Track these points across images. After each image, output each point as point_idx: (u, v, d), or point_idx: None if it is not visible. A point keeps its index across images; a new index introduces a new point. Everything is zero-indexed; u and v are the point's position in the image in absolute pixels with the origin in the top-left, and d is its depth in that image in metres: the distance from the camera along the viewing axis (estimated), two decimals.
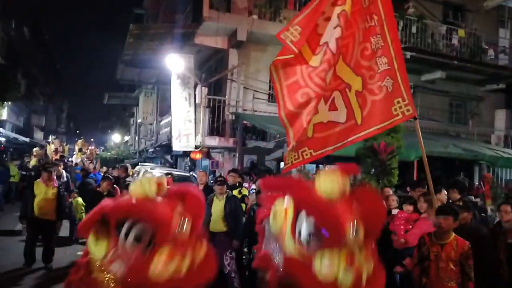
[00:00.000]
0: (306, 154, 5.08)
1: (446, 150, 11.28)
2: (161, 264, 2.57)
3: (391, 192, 7.09)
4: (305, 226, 2.81)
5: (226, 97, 13.80)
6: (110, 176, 8.72)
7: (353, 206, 2.79)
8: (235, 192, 7.22)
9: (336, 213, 2.70)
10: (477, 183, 10.83)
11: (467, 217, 4.63)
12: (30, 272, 7.04)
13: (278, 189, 3.19)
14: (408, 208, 5.56)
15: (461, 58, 14.73)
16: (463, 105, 16.82)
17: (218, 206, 6.44)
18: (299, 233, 2.82)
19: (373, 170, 8.61)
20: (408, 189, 8.33)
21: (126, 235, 2.68)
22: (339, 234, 2.65)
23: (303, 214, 2.85)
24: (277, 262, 3.03)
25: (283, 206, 2.99)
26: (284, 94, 4.99)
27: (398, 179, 8.82)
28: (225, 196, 6.52)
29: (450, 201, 6.22)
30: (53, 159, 18.60)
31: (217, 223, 6.39)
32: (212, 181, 12.30)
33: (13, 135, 24.11)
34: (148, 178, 2.97)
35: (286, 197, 3.04)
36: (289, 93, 4.95)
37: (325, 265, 2.64)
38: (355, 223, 2.69)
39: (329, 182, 2.84)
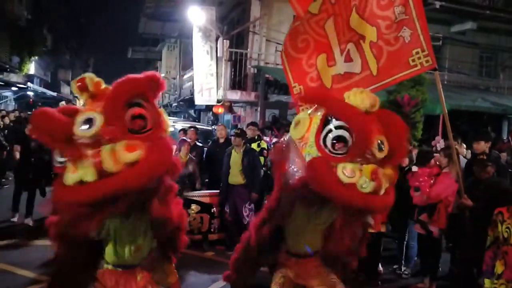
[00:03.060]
0: None
1: (474, 104, 10.93)
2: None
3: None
4: (332, 134, 2.82)
5: (248, 50, 13.56)
6: None
7: (379, 124, 2.85)
8: (253, 145, 7.24)
9: (366, 122, 2.74)
10: (505, 138, 10.52)
11: (490, 170, 4.52)
12: None
13: (314, 101, 3.20)
14: (428, 164, 5.45)
15: (494, 7, 13.98)
16: (494, 58, 16.10)
17: (236, 158, 6.51)
18: (324, 140, 2.83)
19: None
20: (433, 143, 8.16)
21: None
22: (365, 144, 2.70)
23: (332, 120, 2.87)
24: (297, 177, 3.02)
25: (307, 115, 3.05)
26: (287, 38, 5.21)
27: (422, 133, 8.63)
28: (242, 149, 6.55)
29: (475, 152, 6.05)
30: None
31: (236, 176, 6.48)
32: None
33: (41, 89, 24.60)
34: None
35: (311, 108, 3.11)
36: (290, 36, 5.14)
37: (346, 171, 2.67)
38: (381, 138, 2.75)
39: (359, 96, 2.88)
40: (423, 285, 5.40)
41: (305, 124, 2.99)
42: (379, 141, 2.72)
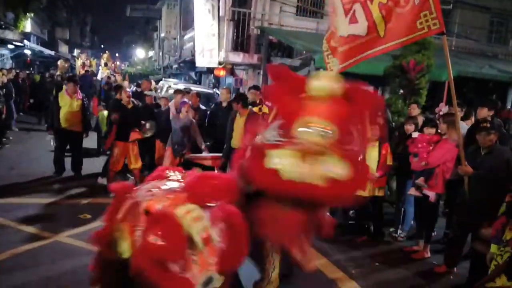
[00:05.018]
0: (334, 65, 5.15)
1: (481, 70, 10.77)
2: None
3: (416, 109, 6.96)
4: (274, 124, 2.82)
5: (252, 9, 13.24)
6: (123, 85, 8.92)
7: (338, 106, 2.71)
8: (255, 109, 7.19)
9: (289, 108, 2.71)
10: (509, 107, 10.47)
11: (493, 138, 4.51)
12: (60, 180, 7.41)
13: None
14: (430, 131, 5.45)
15: None
16: (505, 23, 15.74)
17: (239, 122, 6.49)
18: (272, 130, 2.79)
19: (401, 91, 8.33)
20: (437, 109, 8.11)
21: None
22: (284, 126, 2.66)
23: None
24: None
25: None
26: None
27: (427, 99, 8.55)
28: (246, 112, 6.51)
29: (478, 119, 6.04)
30: (80, 73, 18.76)
31: (239, 140, 6.44)
32: None
33: (39, 48, 24.22)
34: None
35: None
36: None
37: (272, 159, 2.57)
38: (311, 120, 2.60)
39: (320, 81, 2.81)
40: (417, 247, 5.52)
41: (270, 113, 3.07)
42: (315, 127, 2.58)
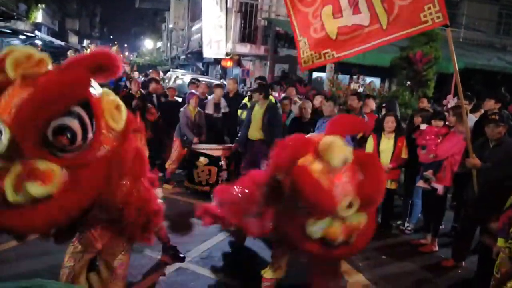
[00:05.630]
0: (329, 56, 5.14)
1: (489, 63, 10.64)
2: None
3: (426, 103, 6.90)
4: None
5: (259, 1, 13.18)
6: (133, 76, 8.89)
7: (354, 175, 2.82)
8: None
9: (326, 193, 2.69)
10: None
11: (501, 131, 4.46)
12: None
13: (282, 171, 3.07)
14: (438, 123, 5.40)
15: None
16: None
17: (258, 113, 6.39)
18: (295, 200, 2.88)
19: (408, 82, 8.28)
20: (444, 101, 8.04)
21: None
22: (328, 211, 2.74)
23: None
24: None
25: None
26: None
27: (435, 91, 8.48)
28: (265, 104, 6.41)
29: (486, 111, 5.99)
30: None
31: (256, 131, 6.40)
32: (242, 89, 12.29)
33: (49, 38, 24.31)
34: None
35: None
36: None
37: (314, 230, 2.80)
38: (350, 197, 2.72)
39: (333, 153, 2.79)
40: (425, 240, 5.50)
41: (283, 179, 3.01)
42: (347, 201, 2.71)
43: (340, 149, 2.79)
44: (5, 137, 1.78)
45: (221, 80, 14.27)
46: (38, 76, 1.93)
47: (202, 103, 7.26)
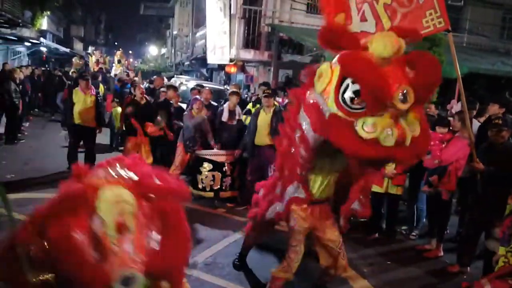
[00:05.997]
0: None
1: (493, 67, 10.62)
2: None
3: (433, 109, 6.91)
4: (348, 92, 2.68)
5: (262, 7, 13.25)
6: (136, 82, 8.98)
7: (405, 69, 2.63)
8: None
9: (383, 80, 2.55)
10: None
11: (505, 135, 4.45)
12: None
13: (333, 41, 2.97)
14: (442, 130, 5.41)
15: None
16: None
17: (264, 119, 6.39)
18: (343, 98, 2.71)
19: None
20: (448, 106, 8.04)
21: None
22: (383, 101, 2.55)
23: (348, 80, 2.70)
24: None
25: (329, 66, 2.89)
26: None
27: (439, 96, 8.47)
28: (272, 109, 6.41)
29: (490, 116, 5.97)
30: (94, 70, 18.99)
31: (263, 137, 6.39)
32: (246, 95, 12.32)
33: (54, 45, 24.53)
34: None
35: (334, 58, 2.92)
36: None
37: (367, 127, 2.59)
38: (405, 88, 2.53)
39: (382, 41, 2.66)
40: (430, 246, 5.47)
41: (327, 76, 2.86)
42: (401, 93, 2.52)
43: (390, 37, 2.66)
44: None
45: (225, 86, 14.32)
46: None
47: (215, 111, 7.30)
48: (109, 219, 1.79)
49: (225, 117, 6.99)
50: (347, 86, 2.69)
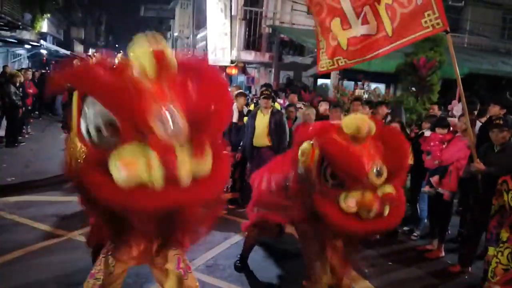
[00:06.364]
0: (341, 62, 5.34)
1: (494, 67, 10.63)
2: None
3: (436, 110, 6.93)
4: (329, 168, 2.92)
5: (263, 8, 13.26)
6: None
7: (378, 147, 2.90)
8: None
9: (357, 160, 2.79)
10: None
11: (506, 135, 4.45)
12: None
13: (307, 137, 3.18)
14: (441, 131, 5.41)
15: None
16: None
17: (262, 120, 6.36)
18: (324, 175, 2.95)
19: (412, 88, 8.29)
20: (449, 107, 8.03)
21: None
22: (359, 179, 2.79)
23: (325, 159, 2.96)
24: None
25: (311, 146, 3.06)
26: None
27: (439, 97, 8.47)
28: (270, 110, 6.39)
29: (491, 116, 5.97)
30: None
31: (261, 138, 6.35)
32: (247, 96, 12.31)
33: (54, 47, 24.53)
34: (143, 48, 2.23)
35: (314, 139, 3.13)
36: None
37: (348, 202, 2.82)
38: (378, 164, 2.80)
39: (354, 122, 2.90)
40: (431, 246, 5.46)
41: (308, 156, 3.05)
42: (376, 169, 2.78)
43: (363, 120, 2.90)
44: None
45: None
46: None
47: None
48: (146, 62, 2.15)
49: (235, 118, 6.97)
50: (327, 165, 2.95)
